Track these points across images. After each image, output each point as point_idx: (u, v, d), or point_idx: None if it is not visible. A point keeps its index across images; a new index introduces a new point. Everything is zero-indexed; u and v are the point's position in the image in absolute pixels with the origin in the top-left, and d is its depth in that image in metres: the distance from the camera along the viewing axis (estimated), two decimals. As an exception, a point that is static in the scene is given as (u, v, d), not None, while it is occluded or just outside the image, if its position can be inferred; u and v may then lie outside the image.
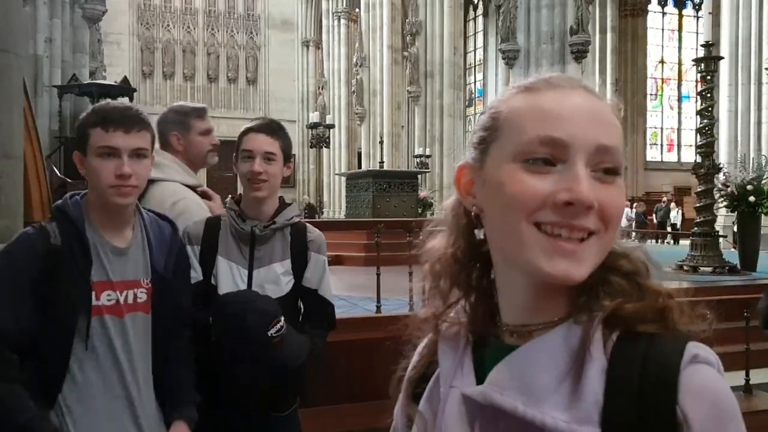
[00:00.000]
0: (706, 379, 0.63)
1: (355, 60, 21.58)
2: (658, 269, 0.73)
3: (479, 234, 0.76)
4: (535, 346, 0.68)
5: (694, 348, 0.65)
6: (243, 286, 1.98)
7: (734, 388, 3.90)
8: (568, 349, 0.66)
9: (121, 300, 1.67)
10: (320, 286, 2.06)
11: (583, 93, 0.70)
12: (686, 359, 0.64)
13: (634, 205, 20.00)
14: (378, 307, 4.39)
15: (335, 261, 7.49)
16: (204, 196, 2.44)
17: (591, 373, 0.64)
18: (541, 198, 0.65)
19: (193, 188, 2.40)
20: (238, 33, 28.56)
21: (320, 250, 2.09)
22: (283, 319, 1.83)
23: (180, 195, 2.29)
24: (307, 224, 2.15)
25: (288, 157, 2.05)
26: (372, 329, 3.83)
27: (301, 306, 2.10)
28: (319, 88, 26.41)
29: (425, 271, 0.81)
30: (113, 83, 13.52)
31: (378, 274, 4.41)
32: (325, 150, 22.60)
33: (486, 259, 0.76)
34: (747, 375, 4.39)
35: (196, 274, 1.98)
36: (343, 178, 14.81)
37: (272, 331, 1.80)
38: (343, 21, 24.81)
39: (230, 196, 2.15)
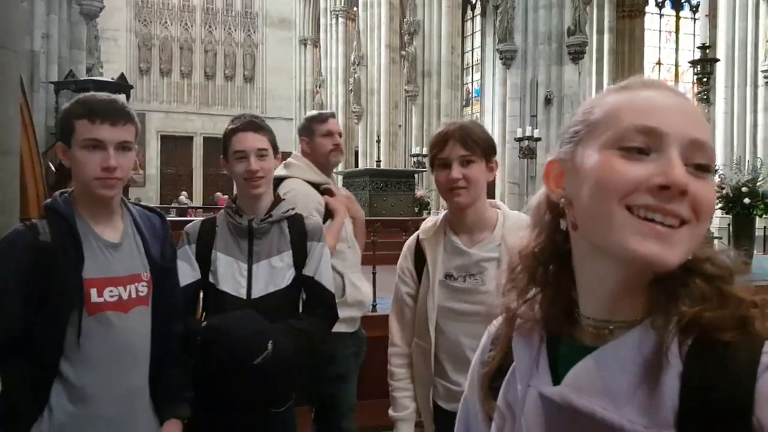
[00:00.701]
0: None
1: (352, 59, 21.58)
2: (745, 274, 0.72)
3: (563, 224, 0.76)
4: (612, 348, 0.69)
5: None
6: (243, 281, 1.99)
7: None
8: (644, 352, 0.67)
9: (125, 295, 1.67)
10: (317, 273, 2.07)
11: (676, 93, 0.71)
12: (763, 366, 0.63)
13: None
14: (374, 306, 4.39)
15: (331, 259, 7.51)
16: (326, 192, 2.68)
17: (668, 378, 0.65)
18: (635, 182, 0.66)
19: (317, 185, 2.67)
20: (235, 30, 28.52)
21: (319, 238, 2.11)
22: (270, 344, 1.83)
23: (290, 187, 2.59)
24: (304, 215, 2.18)
25: (276, 149, 2.08)
26: (367, 328, 3.84)
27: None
28: (316, 87, 26.40)
29: (506, 266, 0.83)
30: (110, 80, 13.52)
31: (374, 273, 4.42)
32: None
33: (565, 256, 0.77)
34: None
35: (195, 273, 1.99)
36: (340, 177, 14.81)
37: (258, 360, 1.81)
38: (341, 20, 24.79)
39: (227, 196, 2.18)
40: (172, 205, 18.74)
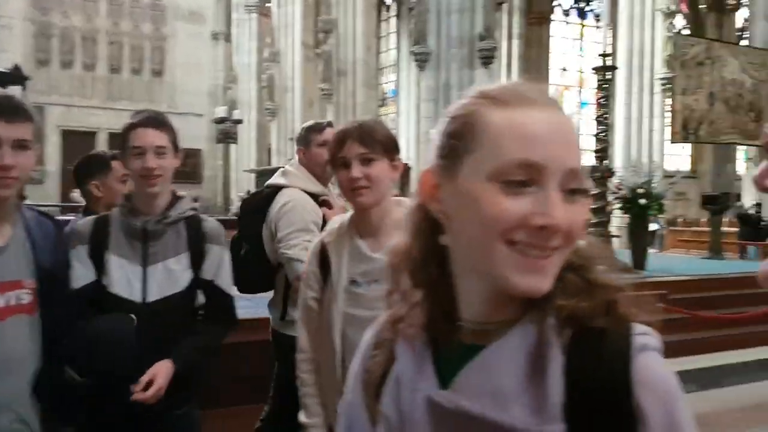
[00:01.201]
0: (654, 370, 0.68)
1: (266, 55, 21.28)
2: (607, 260, 0.75)
3: (443, 239, 0.75)
4: (496, 348, 0.70)
5: (640, 337, 0.69)
6: (137, 284, 1.92)
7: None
8: (527, 350, 0.69)
9: (1, 302, 1.57)
10: (217, 277, 2.03)
11: (553, 110, 0.71)
12: (635, 349, 0.68)
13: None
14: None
15: (242, 260, 7.36)
16: (324, 204, 2.68)
17: (552, 372, 0.67)
18: (517, 220, 0.67)
19: (315, 196, 2.68)
20: (143, 23, 27.40)
21: (218, 240, 2.05)
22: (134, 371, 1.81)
23: (289, 197, 2.62)
24: (202, 215, 2.11)
25: (177, 147, 2.00)
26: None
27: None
28: (228, 83, 25.84)
29: (386, 272, 0.81)
30: (3, 70, 12.71)
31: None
32: (233, 146, 22.15)
33: (445, 258, 0.76)
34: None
35: (89, 274, 1.91)
36: (253, 175, 14.57)
37: (119, 373, 1.79)
38: (254, 15, 24.38)
39: (123, 193, 2.09)
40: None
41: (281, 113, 20.47)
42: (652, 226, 15.27)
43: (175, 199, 2.02)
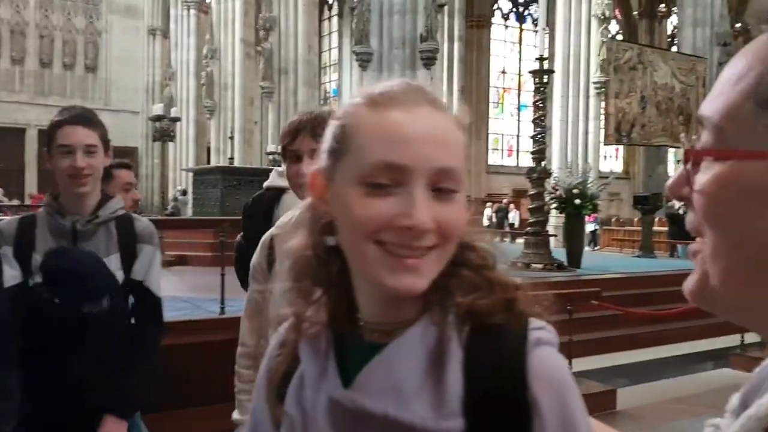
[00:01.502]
0: (549, 364, 0.70)
1: (205, 52, 20.86)
2: (504, 258, 0.77)
3: (332, 240, 0.75)
4: (396, 347, 0.71)
5: (536, 332, 0.70)
6: None
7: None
8: (427, 347, 0.70)
9: None
10: (146, 278, 1.98)
11: (428, 109, 0.71)
12: (530, 344, 0.69)
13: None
14: (222, 309, 4.27)
15: (180, 261, 7.18)
16: None
17: (450, 368, 0.68)
18: (382, 221, 0.67)
19: None
20: (76, 16, 26.49)
21: (150, 241, 2.00)
22: (107, 300, 1.77)
23: (293, 203, 2.45)
24: (134, 215, 2.06)
25: (107, 145, 1.94)
26: (215, 331, 3.72)
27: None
28: (166, 79, 25.20)
29: (285, 271, 0.80)
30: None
31: (222, 275, 4.29)
32: (170, 144, 21.65)
33: (343, 256, 0.75)
34: (570, 364, 4.80)
35: (16, 273, 1.82)
36: (191, 174, 14.25)
37: (87, 309, 1.74)
38: (192, 11, 23.87)
39: (49, 193, 2.00)
40: (12, 202, 17.05)
41: (220, 111, 20.12)
42: (590, 227, 15.77)
43: (105, 198, 1.96)
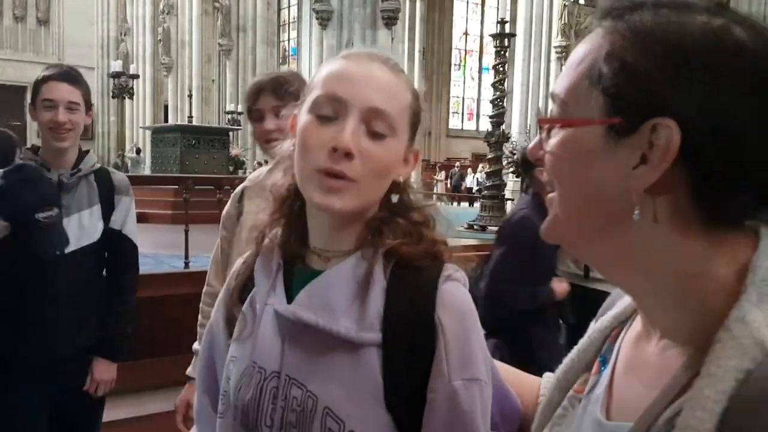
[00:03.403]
0: (455, 295, 0.86)
1: (161, 7, 20.28)
2: (447, 224, 0.94)
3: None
4: (333, 272, 0.86)
5: (448, 269, 0.87)
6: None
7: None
8: (357, 275, 0.85)
9: None
10: (124, 227, 2.12)
11: (379, 65, 0.87)
12: (442, 279, 0.85)
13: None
14: (186, 264, 4.33)
15: (140, 218, 7.15)
16: None
17: (374, 292, 0.84)
18: (320, 143, 0.82)
19: None
20: (25, -35, 25.31)
21: (126, 192, 2.15)
22: (57, 211, 1.89)
23: None
24: (110, 168, 2.20)
25: (89, 104, 2.07)
26: (179, 285, 3.79)
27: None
28: (121, 35, 24.41)
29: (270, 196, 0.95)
30: None
31: (186, 231, 4.34)
32: (127, 101, 21.14)
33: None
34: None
35: (2, 224, 1.91)
36: (148, 132, 13.99)
37: (41, 215, 1.84)
38: (148, -37, 23.07)
39: (25, 147, 2.09)
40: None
41: (178, 69, 19.70)
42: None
43: (83, 153, 2.08)
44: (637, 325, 0.65)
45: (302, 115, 0.86)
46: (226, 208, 1.99)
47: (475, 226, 8.48)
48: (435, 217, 0.92)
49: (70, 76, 2.00)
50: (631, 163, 0.54)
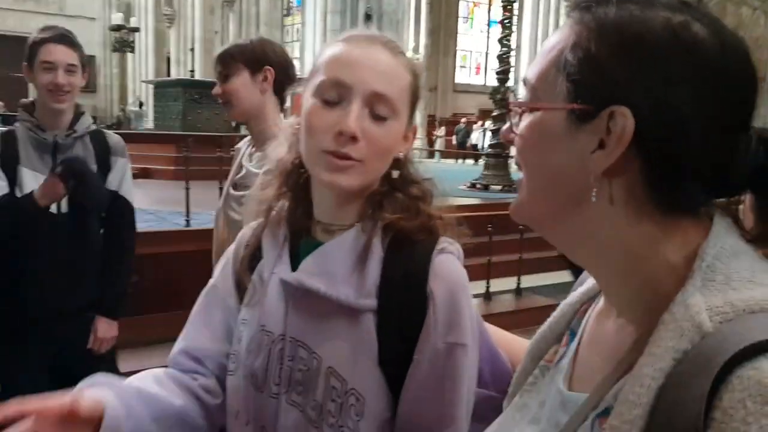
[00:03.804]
0: (447, 266, 0.92)
1: (164, -44, 19.89)
2: (443, 196, 1.00)
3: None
4: (336, 243, 0.93)
5: (442, 242, 0.94)
6: None
7: (508, 291, 4.36)
8: (356, 246, 0.92)
9: None
10: (121, 187, 2.15)
11: (380, 49, 0.92)
12: (436, 251, 0.92)
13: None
14: (187, 221, 4.37)
15: (142, 174, 7.17)
16: None
17: (371, 263, 0.91)
18: (326, 127, 0.88)
19: None
20: None
21: (122, 153, 2.17)
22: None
23: None
24: (104, 130, 2.22)
25: (84, 66, 2.08)
26: (181, 242, 3.84)
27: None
28: (123, -16, 23.98)
29: (274, 174, 1.00)
30: None
31: (187, 189, 4.36)
32: (129, 54, 20.92)
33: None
34: (518, 280, 5.08)
35: (3, 185, 1.96)
36: (151, 86, 13.88)
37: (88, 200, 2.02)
38: None
39: (20, 107, 2.09)
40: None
41: (180, 20, 19.43)
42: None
43: (79, 114, 2.10)
44: (602, 301, 0.68)
45: (307, 97, 0.91)
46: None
47: (478, 185, 8.48)
48: (432, 190, 0.98)
49: (68, 39, 2.02)
50: (589, 148, 0.56)
